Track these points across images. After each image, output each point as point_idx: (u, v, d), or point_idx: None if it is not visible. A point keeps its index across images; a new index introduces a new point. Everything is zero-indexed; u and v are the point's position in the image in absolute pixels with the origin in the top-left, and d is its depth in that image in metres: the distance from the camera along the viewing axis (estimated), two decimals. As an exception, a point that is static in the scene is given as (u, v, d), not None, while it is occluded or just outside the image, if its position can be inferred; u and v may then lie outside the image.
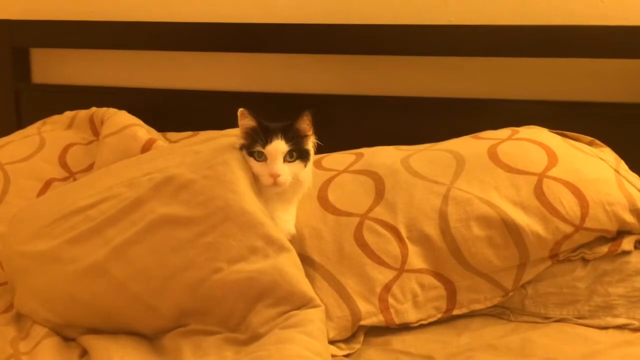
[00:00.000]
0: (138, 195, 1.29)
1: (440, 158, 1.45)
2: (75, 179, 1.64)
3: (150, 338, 1.25)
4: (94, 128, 1.76)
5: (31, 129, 1.80)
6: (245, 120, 1.30)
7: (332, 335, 1.24)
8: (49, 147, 1.71)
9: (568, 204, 1.31)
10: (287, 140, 1.27)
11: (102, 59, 2.07)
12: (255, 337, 1.15)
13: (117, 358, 1.15)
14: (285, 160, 1.28)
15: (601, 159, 1.44)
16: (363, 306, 1.27)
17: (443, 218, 1.32)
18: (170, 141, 1.75)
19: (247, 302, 1.19)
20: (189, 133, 1.80)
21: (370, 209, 1.36)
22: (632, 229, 1.33)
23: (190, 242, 1.23)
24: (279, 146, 1.27)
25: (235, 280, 1.19)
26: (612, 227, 1.32)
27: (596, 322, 1.28)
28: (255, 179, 1.31)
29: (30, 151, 1.70)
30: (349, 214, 1.35)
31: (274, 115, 1.32)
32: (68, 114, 1.83)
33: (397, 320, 1.28)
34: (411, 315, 1.29)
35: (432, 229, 1.32)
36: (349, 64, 1.91)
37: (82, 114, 1.80)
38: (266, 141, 1.28)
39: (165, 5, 1.99)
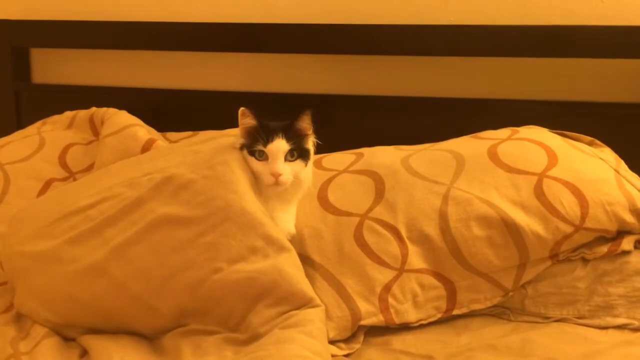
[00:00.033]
0: (138, 195, 1.29)
1: (440, 158, 1.45)
2: (75, 179, 1.64)
3: (150, 338, 1.24)
4: (94, 128, 1.76)
5: (31, 129, 1.80)
6: (246, 119, 1.30)
7: (332, 335, 1.24)
8: (49, 147, 1.71)
9: (568, 204, 1.31)
10: (288, 140, 1.28)
11: (102, 59, 2.07)
12: (255, 337, 1.15)
13: (117, 358, 1.15)
14: (286, 160, 1.28)
15: (601, 159, 1.44)
16: (363, 306, 1.27)
17: (443, 218, 1.32)
18: (170, 141, 1.75)
19: (247, 302, 1.19)
20: (189, 133, 1.79)
21: (370, 209, 1.36)
22: (632, 229, 1.33)
23: (190, 242, 1.23)
24: (280, 145, 1.27)
25: (235, 280, 1.19)
26: (612, 227, 1.32)
27: (596, 322, 1.28)
28: (255, 179, 1.31)
29: (30, 151, 1.70)
30: (349, 214, 1.35)
31: (274, 115, 1.32)
32: (68, 114, 1.83)
33: (397, 320, 1.28)
34: (411, 315, 1.29)
35: (432, 229, 1.32)
36: (349, 64, 1.90)
37: (82, 114, 1.80)
38: (267, 140, 1.28)
39: (165, 5, 1.99)
